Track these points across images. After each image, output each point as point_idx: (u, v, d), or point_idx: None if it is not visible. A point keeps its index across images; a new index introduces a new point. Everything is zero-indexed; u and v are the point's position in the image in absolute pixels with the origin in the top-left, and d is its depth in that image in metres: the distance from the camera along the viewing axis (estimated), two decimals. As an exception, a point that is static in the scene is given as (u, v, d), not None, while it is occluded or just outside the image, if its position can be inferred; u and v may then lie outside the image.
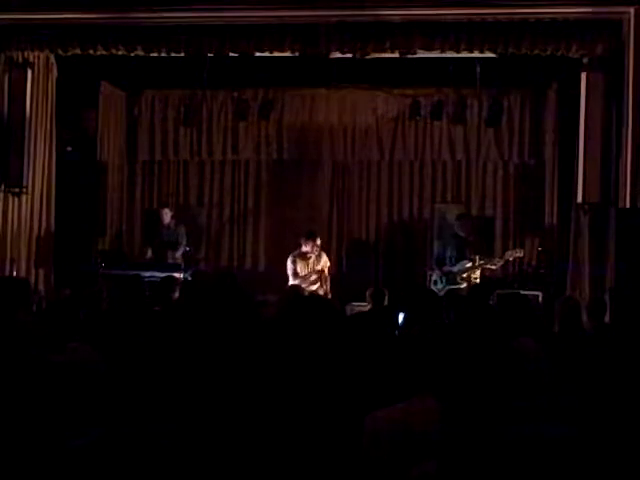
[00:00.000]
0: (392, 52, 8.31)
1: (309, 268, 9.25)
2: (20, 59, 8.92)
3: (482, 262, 8.84)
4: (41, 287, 8.94)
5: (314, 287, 9.16)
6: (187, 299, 6.15)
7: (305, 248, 9.20)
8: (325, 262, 9.33)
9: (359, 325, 5.01)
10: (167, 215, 10.04)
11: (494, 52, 8.23)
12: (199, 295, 6.29)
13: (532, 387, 3.23)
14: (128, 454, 2.71)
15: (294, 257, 9.27)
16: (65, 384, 3.49)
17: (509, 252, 9.26)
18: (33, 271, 9.05)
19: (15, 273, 8.86)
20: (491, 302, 6.19)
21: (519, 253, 9.19)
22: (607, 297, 7.36)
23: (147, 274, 8.20)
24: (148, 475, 2.83)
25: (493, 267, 8.92)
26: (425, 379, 2.91)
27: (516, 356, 3.38)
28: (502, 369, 3.32)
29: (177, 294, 6.38)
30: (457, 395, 2.35)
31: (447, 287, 8.80)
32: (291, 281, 9.19)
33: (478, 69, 8.90)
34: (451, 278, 8.88)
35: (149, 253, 10.04)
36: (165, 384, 3.63)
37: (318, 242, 9.26)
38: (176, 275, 8.85)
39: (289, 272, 9.23)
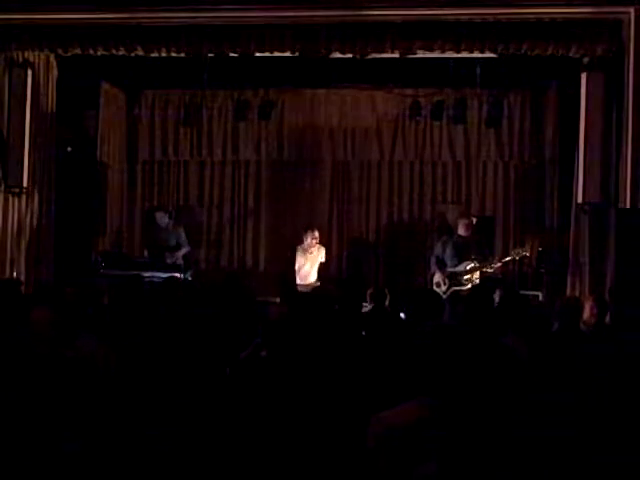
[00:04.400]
0: (392, 52, 8.31)
1: (310, 263, 9.52)
2: (20, 59, 8.92)
3: (479, 265, 8.85)
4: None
5: (312, 280, 9.34)
6: (189, 300, 6.15)
7: (305, 241, 9.41)
8: (321, 256, 9.65)
9: (361, 325, 5.02)
10: (163, 218, 9.97)
11: (494, 52, 8.23)
12: (201, 296, 6.30)
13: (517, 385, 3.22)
14: (125, 457, 2.71)
15: (299, 250, 9.54)
16: (69, 383, 3.49)
17: (515, 250, 9.26)
18: (33, 271, 9.04)
19: (15, 273, 8.86)
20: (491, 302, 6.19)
21: (525, 252, 9.19)
22: (607, 297, 7.36)
23: (147, 274, 8.21)
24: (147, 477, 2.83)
25: (490, 270, 8.93)
26: (426, 379, 2.91)
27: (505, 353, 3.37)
28: (498, 368, 3.31)
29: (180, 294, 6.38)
30: (456, 396, 2.35)
31: (451, 289, 8.82)
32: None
33: (478, 69, 8.90)
34: (454, 279, 8.89)
35: (145, 254, 10.05)
36: (166, 385, 3.63)
37: (316, 234, 9.48)
38: (176, 275, 8.90)
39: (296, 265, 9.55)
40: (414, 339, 3.61)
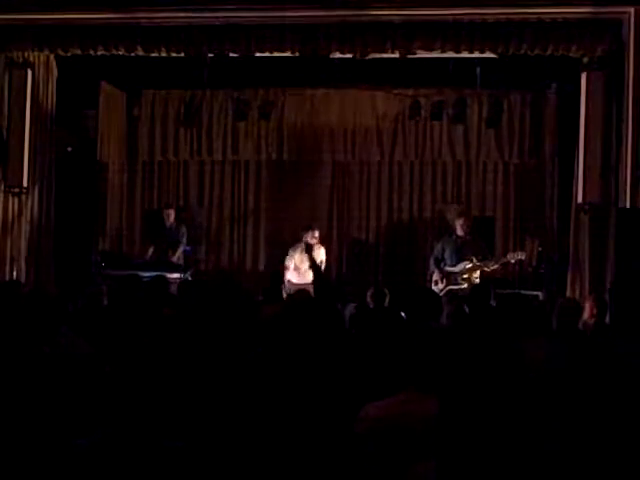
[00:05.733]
0: (392, 52, 8.31)
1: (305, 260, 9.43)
2: (20, 59, 8.94)
3: (478, 264, 8.86)
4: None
5: (309, 279, 9.29)
6: (187, 299, 6.14)
7: (305, 240, 9.34)
8: (320, 255, 9.51)
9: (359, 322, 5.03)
10: (171, 216, 10.13)
11: (494, 52, 8.24)
12: (198, 295, 6.29)
13: (535, 388, 3.22)
14: (130, 454, 2.71)
15: (297, 249, 9.48)
16: (61, 377, 3.49)
17: (511, 254, 9.26)
18: (33, 271, 9.04)
19: (15, 273, 8.87)
20: (491, 302, 6.20)
21: (521, 256, 9.19)
22: (607, 297, 7.36)
23: (147, 274, 8.19)
24: (150, 476, 2.83)
25: (487, 269, 8.94)
26: (422, 376, 2.92)
27: (521, 358, 3.36)
28: (503, 369, 3.31)
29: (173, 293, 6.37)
30: (455, 394, 2.35)
31: (448, 287, 8.84)
32: (286, 276, 9.45)
33: (478, 69, 8.90)
34: (452, 278, 8.91)
35: (150, 252, 10.08)
36: (165, 384, 3.63)
37: (316, 234, 9.41)
38: (174, 275, 8.92)
39: (286, 265, 9.50)
40: (410, 340, 3.61)
